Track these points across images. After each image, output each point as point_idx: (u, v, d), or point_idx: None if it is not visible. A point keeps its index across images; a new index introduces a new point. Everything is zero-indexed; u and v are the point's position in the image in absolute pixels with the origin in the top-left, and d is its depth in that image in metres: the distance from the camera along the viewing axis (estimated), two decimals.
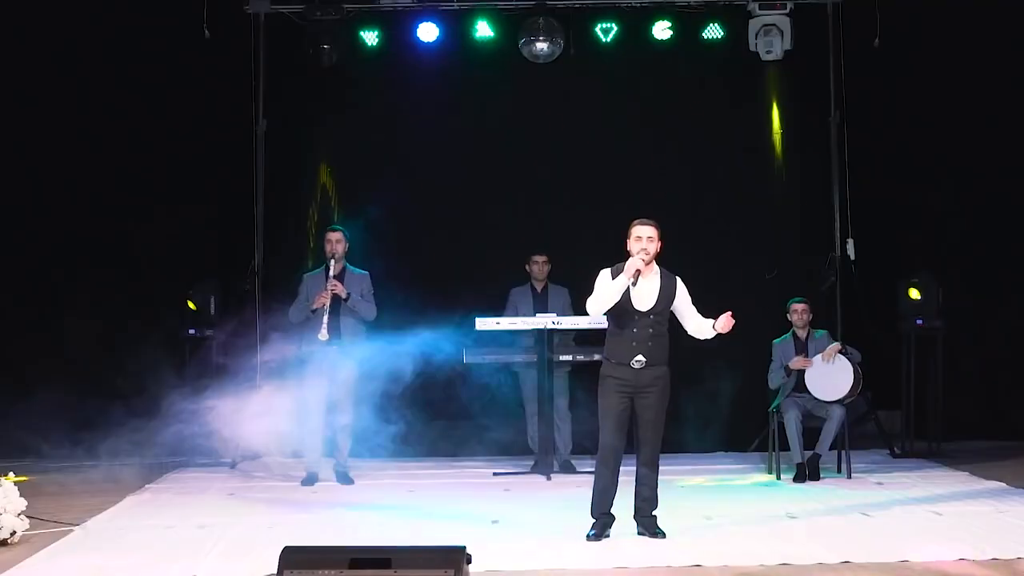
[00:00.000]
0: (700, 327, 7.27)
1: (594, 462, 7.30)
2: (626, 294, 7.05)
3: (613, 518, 7.18)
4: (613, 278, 7.08)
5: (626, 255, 7.12)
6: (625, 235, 7.15)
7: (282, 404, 8.81)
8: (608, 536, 7.12)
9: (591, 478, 7.31)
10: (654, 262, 7.15)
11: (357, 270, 9.44)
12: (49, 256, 10.70)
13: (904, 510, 7.93)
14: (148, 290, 10.72)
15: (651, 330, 7.07)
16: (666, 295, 7.14)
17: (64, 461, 9.74)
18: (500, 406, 10.16)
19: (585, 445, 9.58)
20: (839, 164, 10.69)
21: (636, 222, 7.14)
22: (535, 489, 9.13)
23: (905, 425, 10.62)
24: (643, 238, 7.06)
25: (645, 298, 7.09)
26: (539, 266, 10.02)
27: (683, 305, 7.22)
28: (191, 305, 10.49)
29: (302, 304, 9.33)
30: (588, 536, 7.06)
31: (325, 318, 9.07)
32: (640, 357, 7.04)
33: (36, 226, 10.73)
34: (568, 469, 9.72)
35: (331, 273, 9.20)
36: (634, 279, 7.00)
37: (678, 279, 7.23)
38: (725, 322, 7.14)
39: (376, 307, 9.36)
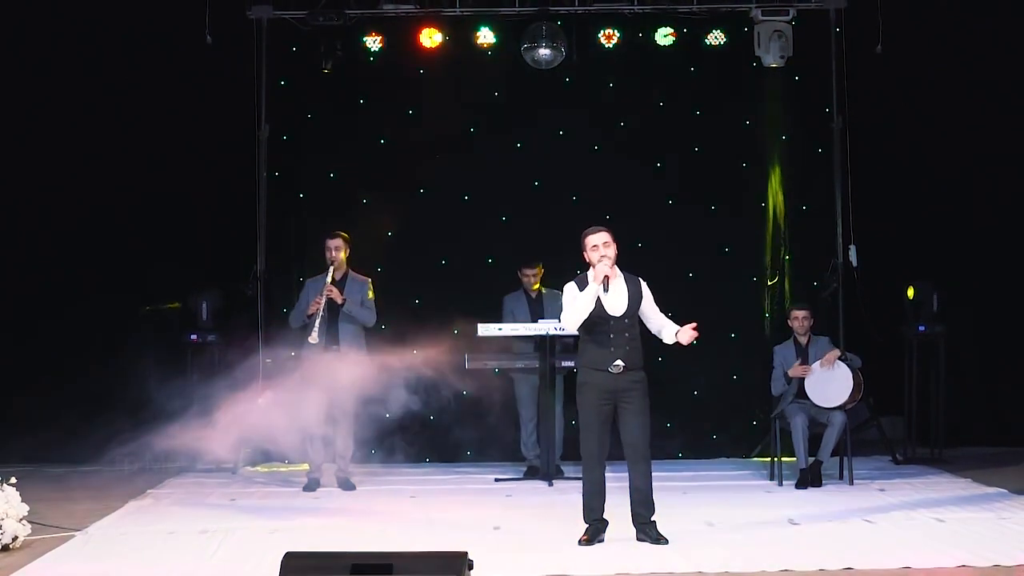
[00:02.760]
0: (662, 327, 7.34)
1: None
2: (598, 301, 7.11)
3: (606, 523, 7.20)
4: (581, 290, 7.14)
5: (586, 267, 7.18)
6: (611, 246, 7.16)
7: (283, 410, 8.80)
8: (601, 541, 7.14)
9: None
10: (616, 266, 7.18)
11: (359, 276, 9.44)
12: (50, 260, 10.69)
13: (906, 516, 7.92)
14: (149, 295, 10.70)
15: (627, 334, 7.14)
16: (635, 297, 7.21)
17: (65, 466, 9.73)
18: (501, 412, 10.14)
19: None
20: (841, 170, 10.66)
21: (587, 232, 7.24)
22: (536, 495, 9.12)
23: (907, 431, 10.61)
24: (599, 245, 7.15)
25: (617, 303, 7.16)
26: (528, 278, 10.00)
27: (647, 306, 7.29)
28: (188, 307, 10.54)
29: (301, 309, 9.34)
30: (579, 542, 7.10)
31: (317, 322, 9.07)
32: (619, 362, 7.08)
33: (37, 230, 10.72)
34: (558, 474, 9.67)
35: (328, 279, 9.21)
36: (605, 284, 7.06)
37: (641, 280, 7.30)
38: (688, 335, 7.17)
39: (376, 313, 9.36)
